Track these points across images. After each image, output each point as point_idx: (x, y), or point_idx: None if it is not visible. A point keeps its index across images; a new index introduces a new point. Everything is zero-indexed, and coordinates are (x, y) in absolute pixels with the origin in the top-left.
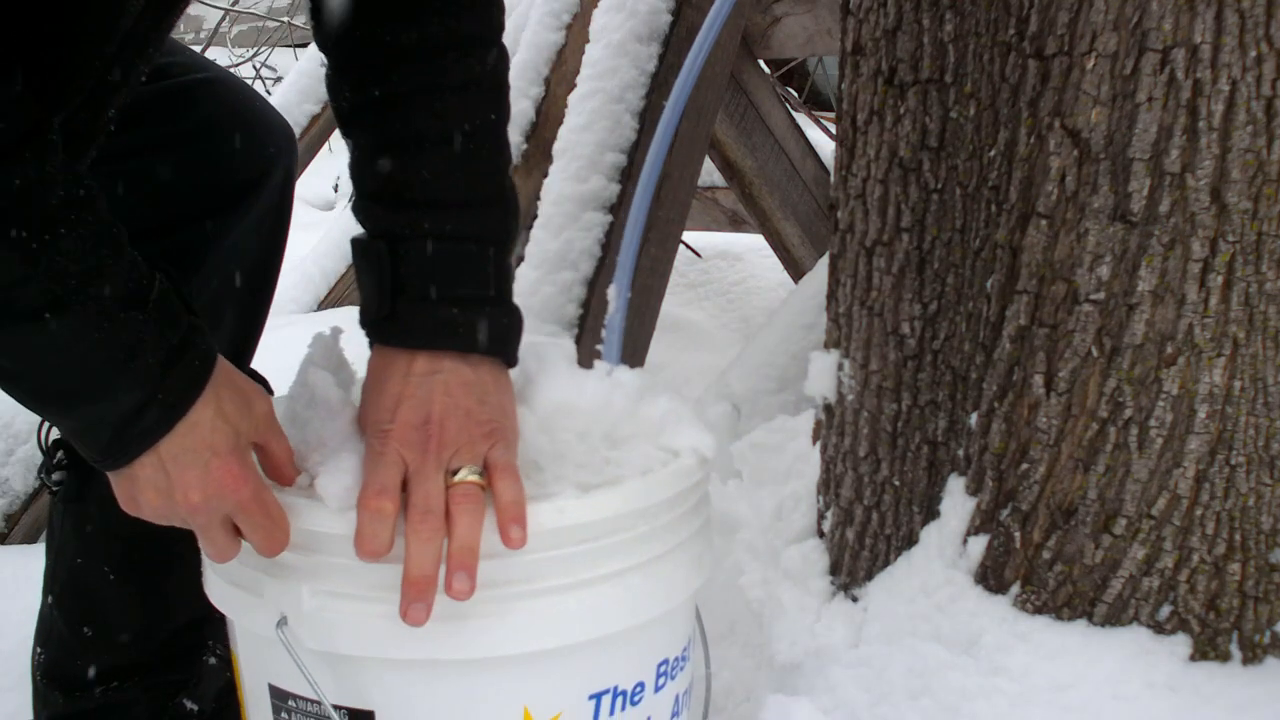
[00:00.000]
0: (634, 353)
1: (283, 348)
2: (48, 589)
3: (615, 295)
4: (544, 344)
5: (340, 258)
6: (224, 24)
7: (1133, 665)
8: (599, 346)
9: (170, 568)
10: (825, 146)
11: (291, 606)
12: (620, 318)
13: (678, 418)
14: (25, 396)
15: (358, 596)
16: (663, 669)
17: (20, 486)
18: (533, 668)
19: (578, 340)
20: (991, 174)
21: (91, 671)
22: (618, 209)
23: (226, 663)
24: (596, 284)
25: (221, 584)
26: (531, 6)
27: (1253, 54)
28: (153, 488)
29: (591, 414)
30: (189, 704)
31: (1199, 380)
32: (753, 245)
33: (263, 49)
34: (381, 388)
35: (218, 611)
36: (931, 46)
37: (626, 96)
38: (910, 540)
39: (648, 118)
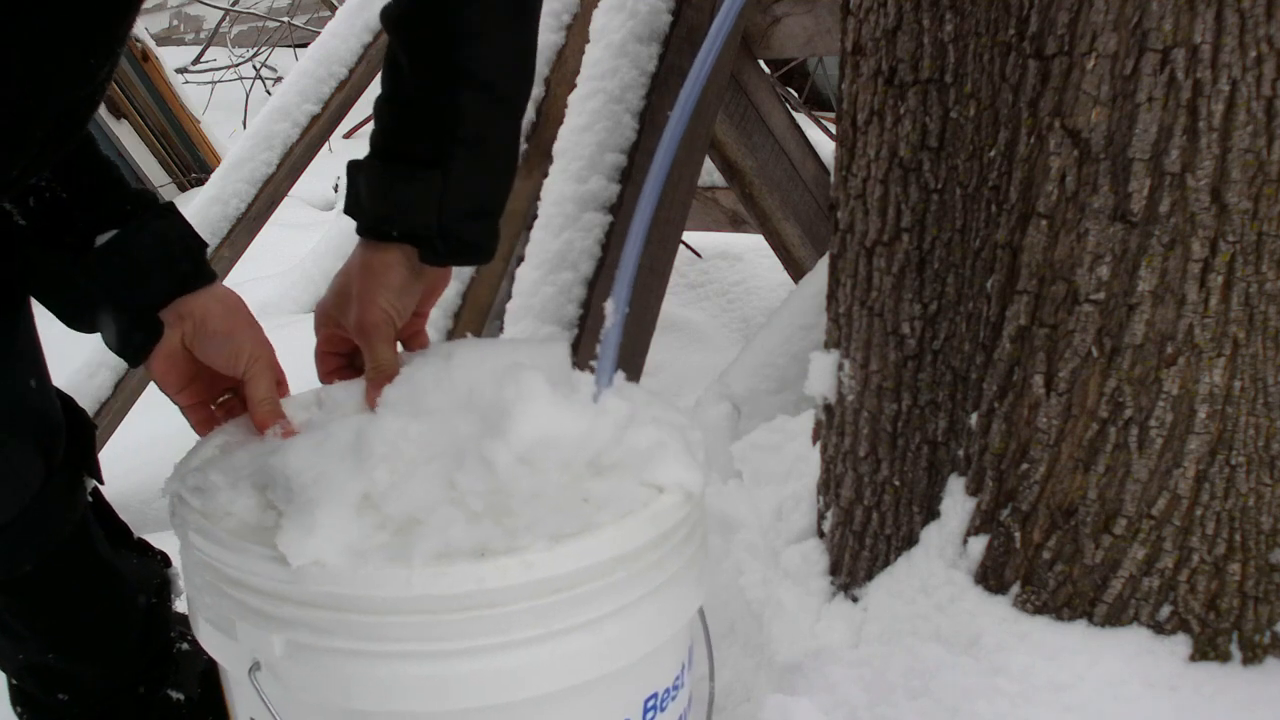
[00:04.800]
0: (633, 353)
1: (282, 348)
2: (10, 672)
3: (612, 310)
4: (521, 368)
5: (340, 258)
6: (224, 24)
7: (1133, 665)
8: (593, 362)
9: (101, 614)
10: (825, 146)
11: (264, 653)
12: (616, 334)
13: (663, 450)
14: None
15: (333, 649)
16: (651, 704)
17: None
18: (506, 717)
19: (577, 341)
20: (991, 174)
21: (77, 714)
22: (618, 209)
23: (199, 646)
24: (596, 284)
25: (202, 623)
26: None
27: (1253, 54)
28: None
29: (574, 443)
30: (174, 694)
31: (1199, 380)
32: (753, 245)
33: (263, 49)
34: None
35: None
36: (931, 46)
37: (626, 97)
38: (910, 540)
39: (648, 118)
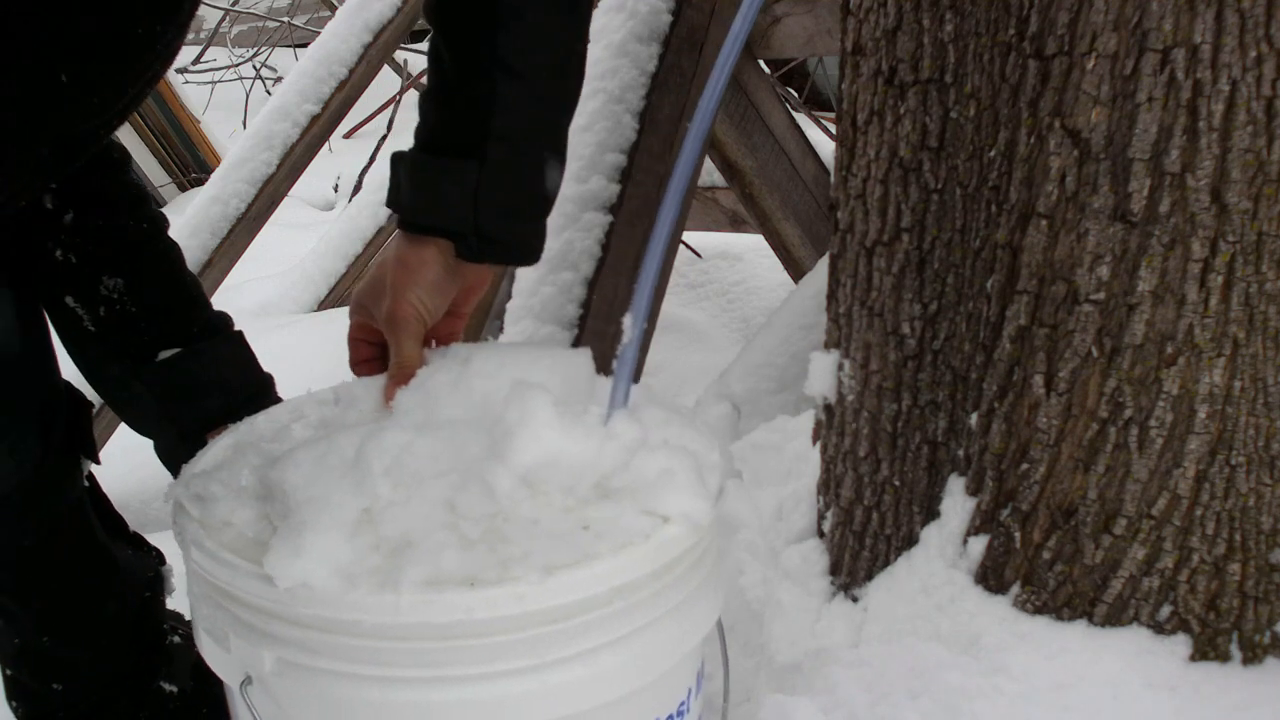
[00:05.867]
0: None
1: (283, 349)
2: (6, 661)
3: (630, 325)
4: (528, 386)
5: (340, 258)
6: (224, 24)
7: (1133, 665)
8: (609, 376)
9: (95, 599)
10: (825, 146)
11: (256, 668)
12: (633, 351)
13: (671, 478)
14: None
15: (320, 670)
16: None
17: None
18: None
19: (577, 341)
20: (991, 174)
21: (71, 705)
22: (618, 209)
23: (191, 639)
24: (597, 284)
25: (201, 632)
26: None
27: (1253, 54)
28: None
29: (578, 468)
30: (167, 686)
31: (1199, 380)
32: (753, 245)
33: (263, 49)
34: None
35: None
36: (931, 46)
37: (627, 97)
38: (910, 540)
39: (648, 118)
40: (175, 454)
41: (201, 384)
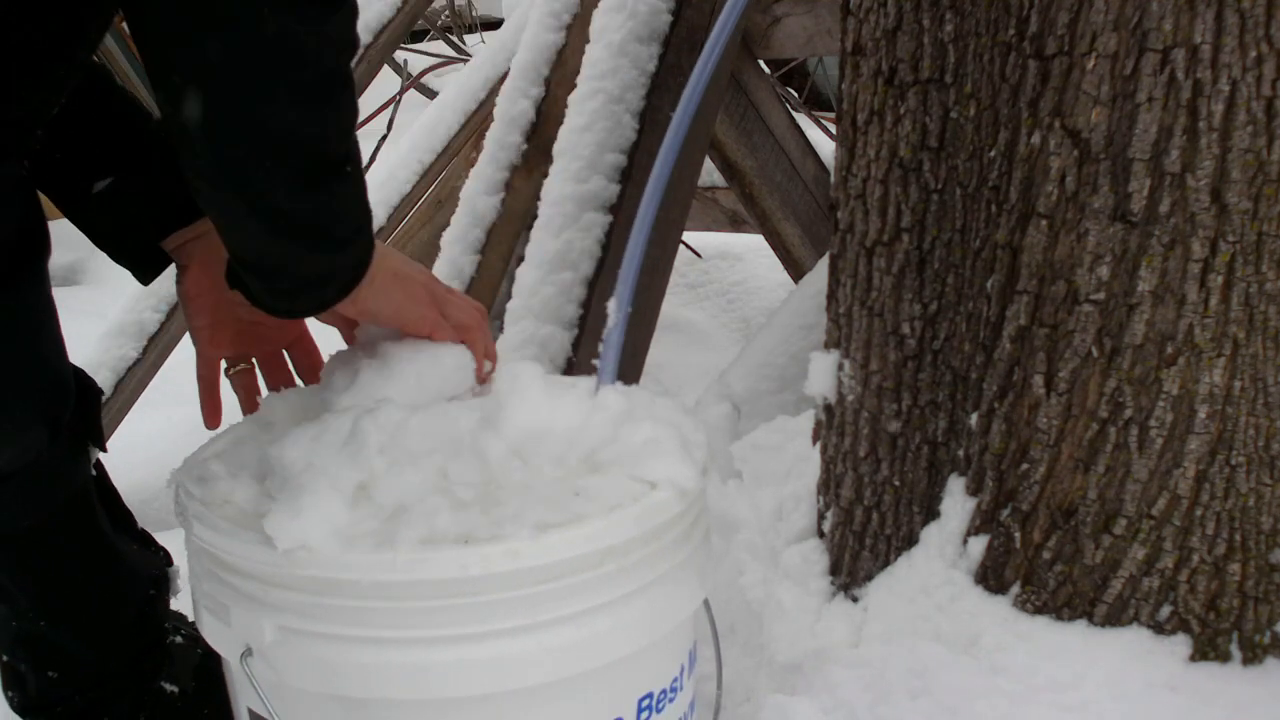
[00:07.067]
0: (634, 353)
1: None
2: (3, 646)
3: (614, 310)
4: (517, 363)
5: None
6: None
7: (1133, 665)
8: (595, 361)
9: (97, 587)
10: (825, 146)
11: (256, 638)
12: (618, 334)
13: (657, 446)
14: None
15: (319, 634)
16: (646, 704)
17: None
18: (492, 709)
19: (577, 341)
20: (991, 174)
21: (68, 697)
22: (618, 209)
23: (194, 640)
24: (596, 284)
25: (202, 611)
26: (532, 7)
27: (1253, 54)
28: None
29: (568, 437)
30: (169, 686)
31: (1199, 380)
32: (753, 245)
33: None
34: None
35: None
36: (931, 46)
37: (627, 97)
38: (910, 540)
39: (648, 118)
40: (136, 272)
41: (136, 207)
